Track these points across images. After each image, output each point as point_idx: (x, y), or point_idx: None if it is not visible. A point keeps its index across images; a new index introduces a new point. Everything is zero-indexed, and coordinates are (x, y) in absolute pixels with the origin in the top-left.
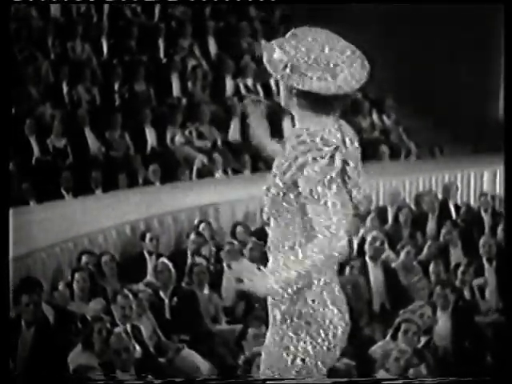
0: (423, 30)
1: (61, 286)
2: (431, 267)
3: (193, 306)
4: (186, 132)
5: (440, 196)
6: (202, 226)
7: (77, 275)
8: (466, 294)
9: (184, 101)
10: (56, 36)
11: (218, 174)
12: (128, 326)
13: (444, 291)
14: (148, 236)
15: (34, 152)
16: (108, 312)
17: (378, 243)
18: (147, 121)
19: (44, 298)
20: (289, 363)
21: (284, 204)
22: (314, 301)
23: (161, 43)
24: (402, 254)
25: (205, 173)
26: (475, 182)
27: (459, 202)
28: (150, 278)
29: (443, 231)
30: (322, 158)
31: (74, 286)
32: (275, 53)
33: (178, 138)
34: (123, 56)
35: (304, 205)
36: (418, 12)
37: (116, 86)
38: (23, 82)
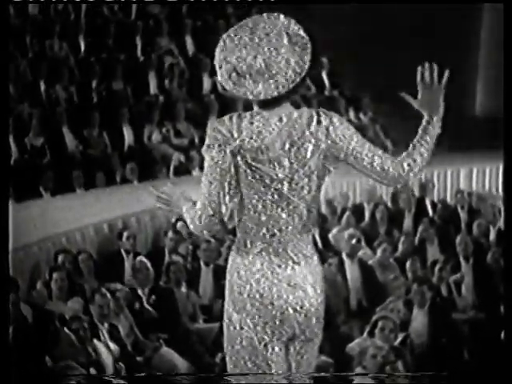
0: (400, 27)
1: (39, 286)
2: (408, 264)
3: (170, 305)
4: (164, 130)
5: (417, 193)
6: (179, 224)
7: (55, 274)
8: (443, 290)
9: (161, 99)
10: (34, 34)
11: (195, 172)
12: (106, 325)
13: (421, 288)
14: (125, 234)
15: (11, 151)
16: (86, 311)
17: (354, 240)
18: (124, 119)
19: (22, 297)
20: (244, 341)
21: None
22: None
23: (138, 41)
24: (379, 252)
25: (182, 171)
26: (452, 179)
27: (436, 199)
28: (127, 276)
29: (420, 228)
30: (209, 147)
31: (52, 285)
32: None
33: (156, 136)
34: (101, 54)
35: None
36: (393, 10)
37: (93, 85)
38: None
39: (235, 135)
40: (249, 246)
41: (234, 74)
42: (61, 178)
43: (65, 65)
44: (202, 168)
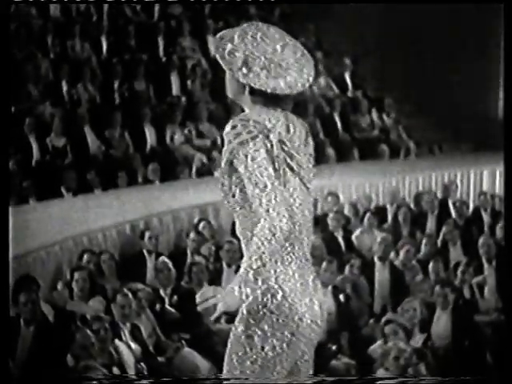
0: (424, 28)
1: (60, 286)
2: (430, 266)
3: (192, 305)
4: (186, 131)
5: (439, 195)
6: (201, 224)
7: (76, 274)
8: (466, 293)
9: (183, 99)
10: (56, 35)
11: (217, 173)
12: (127, 325)
13: (443, 290)
14: (147, 235)
15: (33, 151)
16: (108, 311)
17: (387, 244)
18: (147, 119)
19: (43, 296)
20: (247, 349)
21: (231, 196)
22: (282, 291)
23: (160, 42)
24: (401, 254)
25: (204, 171)
26: (475, 180)
27: (459, 200)
28: (149, 276)
29: (444, 230)
30: (254, 138)
31: (74, 285)
32: (227, 48)
33: (178, 137)
34: (123, 55)
35: (244, 191)
36: (418, 11)
37: (116, 85)
38: (23, 80)
39: None
40: None
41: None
42: (82, 179)
43: (87, 65)
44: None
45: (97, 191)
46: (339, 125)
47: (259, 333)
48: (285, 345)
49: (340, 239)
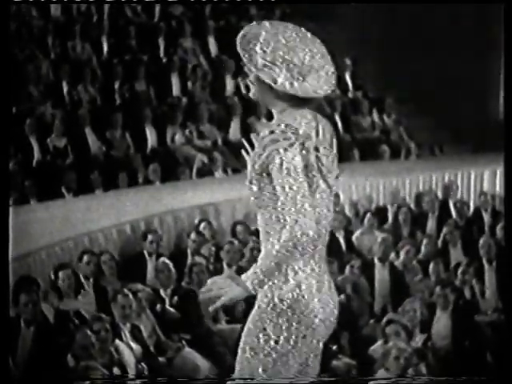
0: (424, 29)
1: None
2: (431, 267)
3: (193, 306)
4: (186, 131)
5: (440, 195)
6: (202, 225)
7: (61, 273)
8: (467, 293)
9: (184, 100)
10: (56, 35)
11: (218, 174)
12: (128, 326)
13: (444, 291)
14: (149, 238)
15: (34, 151)
16: (108, 311)
17: (387, 244)
18: (147, 120)
19: (43, 297)
20: (261, 342)
21: (262, 196)
22: (299, 287)
23: (161, 42)
24: (402, 254)
25: (205, 172)
26: (475, 181)
27: (459, 201)
28: (150, 277)
29: (444, 230)
30: (291, 145)
31: (60, 284)
32: (256, 50)
33: (178, 138)
34: (123, 55)
35: (275, 194)
36: (418, 11)
37: (116, 86)
38: (23, 81)
39: None
40: None
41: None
42: (83, 179)
43: (87, 66)
44: (225, 170)
45: (98, 192)
46: (340, 125)
47: (274, 327)
48: (299, 340)
49: (341, 240)
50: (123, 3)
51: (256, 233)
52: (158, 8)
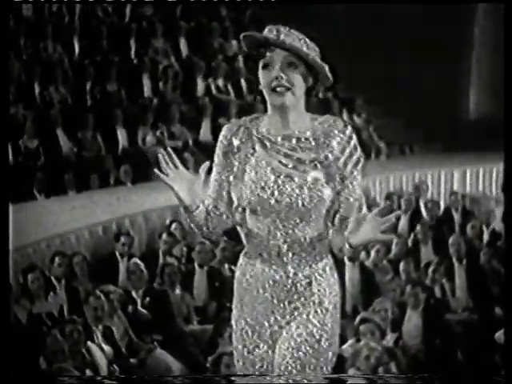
0: (394, 29)
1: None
2: (401, 266)
3: (165, 306)
4: (158, 132)
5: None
6: (173, 225)
7: (30, 276)
8: (437, 292)
9: (155, 101)
10: (28, 36)
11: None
12: (100, 327)
13: (414, 290)
14: (122, 240)
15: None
16: (80, 313)
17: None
18: (119, 121)
19: (16, 299)
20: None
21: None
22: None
23: (132, 43)
24: (372, 253)
25: None
26: (445, 180)
27: (430, 200)
28: (122, 278)
29: (417, 230)
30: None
31: (30, 286)
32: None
33: (150, 139)
34: (95, 56)
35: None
36: (390, 11)
37: (88, 87)
38: None
39: None
40: None
41: None
42: (55, 181)
43: (59, 67)
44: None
45: (70, 193)
46: None
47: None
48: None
49: None
50: (94, 3)
51: (227, 233)
52: (128, 9)
